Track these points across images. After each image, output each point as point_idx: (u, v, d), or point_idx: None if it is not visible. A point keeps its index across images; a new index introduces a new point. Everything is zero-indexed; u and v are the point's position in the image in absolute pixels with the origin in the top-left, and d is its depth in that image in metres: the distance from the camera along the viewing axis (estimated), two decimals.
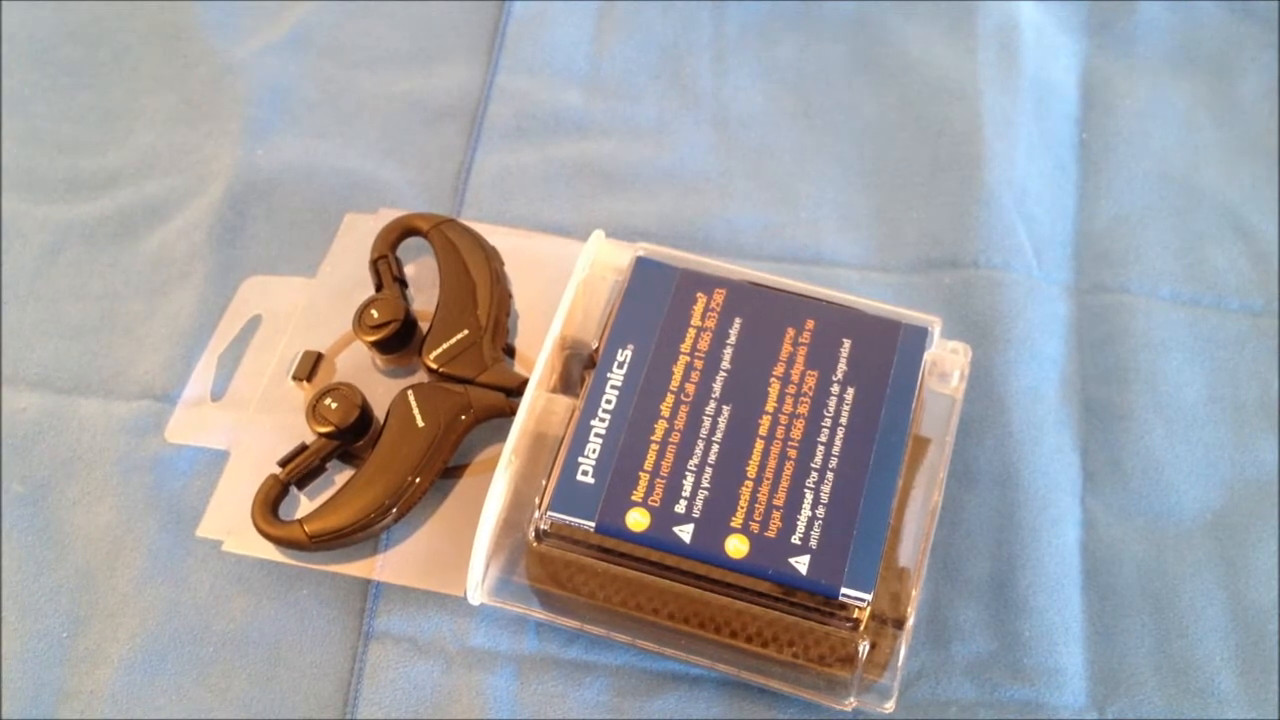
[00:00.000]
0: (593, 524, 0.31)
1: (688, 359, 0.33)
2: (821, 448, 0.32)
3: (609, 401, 0.32)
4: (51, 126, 0.46)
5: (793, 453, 0.32)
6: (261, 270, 0.42)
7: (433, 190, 0.43)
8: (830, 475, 0.31)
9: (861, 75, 0.46)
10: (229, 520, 0.36)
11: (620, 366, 0.33)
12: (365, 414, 0.36)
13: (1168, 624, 0.35)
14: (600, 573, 0.32)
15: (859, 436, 0.32)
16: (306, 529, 0.34)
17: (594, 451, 0.32)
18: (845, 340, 0.34)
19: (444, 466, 0.35)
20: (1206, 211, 0.43)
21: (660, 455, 0.32)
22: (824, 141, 0.45)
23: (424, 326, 0.38)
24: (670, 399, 0.32)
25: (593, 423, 0.32)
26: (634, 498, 0.31)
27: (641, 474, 0.31)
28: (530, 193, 0.43)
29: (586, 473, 0.31)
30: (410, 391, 0.36)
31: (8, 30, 0.48)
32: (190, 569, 0.36)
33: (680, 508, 0.31)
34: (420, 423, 0.35)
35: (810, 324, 0.34)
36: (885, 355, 0.33)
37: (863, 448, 0.32)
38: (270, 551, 0.35)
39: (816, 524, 0.31)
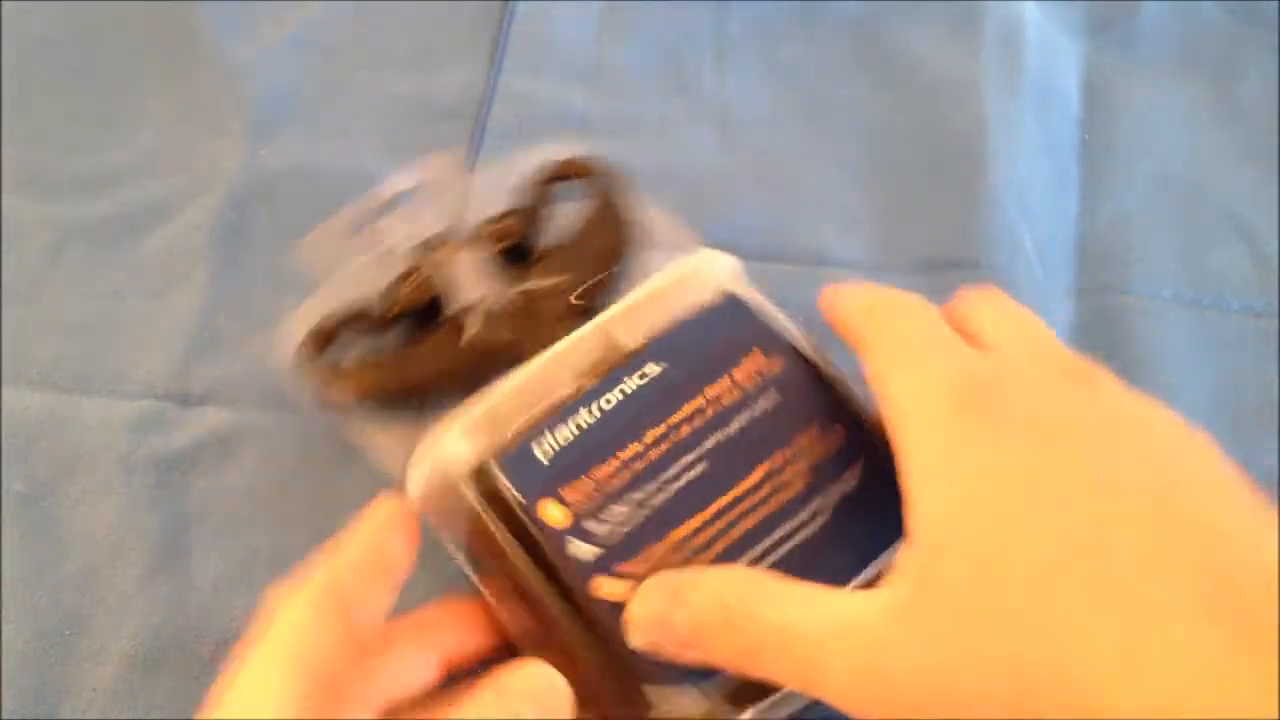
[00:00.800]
0: (522, 499, 0.29)
1: (702, 403, 0.31)
2: (767, 541, 0.30)
3: (608, 403, 0.31)
4: (53, 126, 0.46)
5: (735, 533, 0.30)
6: (262, 270, 0.42)
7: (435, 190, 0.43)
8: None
9: (864, 76, 0.46)
10: None
11: (641, 378, 0.32)
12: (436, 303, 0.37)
13: None
14: (487, 535, 0.30)
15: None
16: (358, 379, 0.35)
17: (564, 439, 0.30)
18: (856, 464, 0.31)
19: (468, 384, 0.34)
20: (1208, 212, 0.43)
21: (615, 473, 0.30)
22: (826, 142, 0.45)
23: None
24: (660, 430, 0.31)
25: (581, 412, 0.31)
26: (565, 495, 0.30)
27: (588, 479, 0.30)
28: None
29: (546, 453, 0.30)
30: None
31: (8, 30, 0.48)
32: (192, 568, 0.36)
33: (597, 528, 0.29)
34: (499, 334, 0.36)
35: (838, 430, 0.31)
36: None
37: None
38: None
39: None
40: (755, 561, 0.29)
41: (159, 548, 0.36)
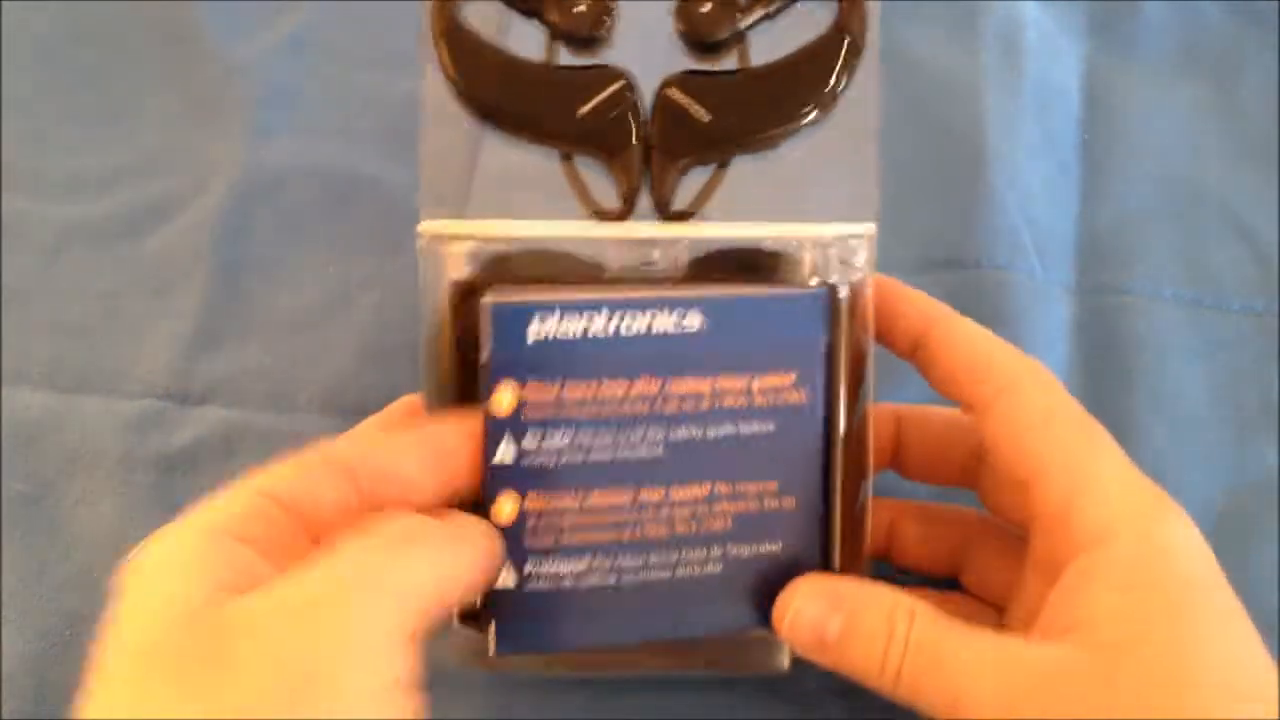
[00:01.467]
0: (489, 360, 0.27)
1: (708, 389, 0.28)
2: (662, 557, 0.28)
3: (628, 328, 0.28)
4: (54, 126, 0.46)
5: (643, 533, 0.28)
6: (263, 270, 0.42)
7: (437, 189, 0.43)
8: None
9: (864, 76, 0.46)
10: None
11: (677, 325, 0.28)
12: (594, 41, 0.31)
13: None
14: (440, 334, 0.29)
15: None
16: None
17: (565, 333, 0.27)
18: (777, 543, 0.29)
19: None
20: (1208, 212, 0.43)
21: (583, 401, 0.27)
22: (827, 142, 0.45)
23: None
24: (653, 388, 0.28)
25: (599, 318, 0.28)
26: (527, 389, 0.27)
27: (557, 387, 0.27)
28: (535, 192, 0.43)
29: (539, 333, 0.27)
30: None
31: (9, 30, 0.48)
32: None
33: (530, 441, 0.27)
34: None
35: (788, 500, 0.29)
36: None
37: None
38: None
39: None
40: (637, 571, 0.28)
41: None
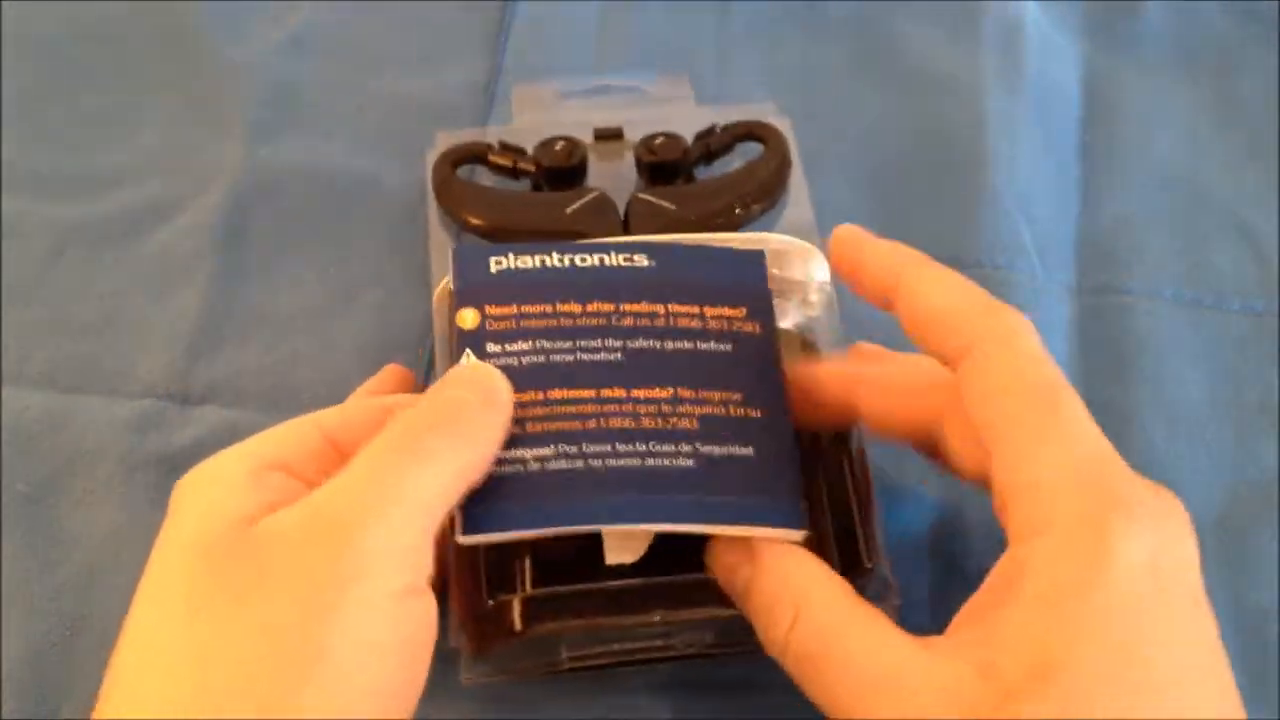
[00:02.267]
0: (454, 287, 0.31)
1: (660, 311, 0.31)
2: (630, 447, 0.29)
3: (582, 260, 0.32)
4: (54, 126, 0.46)
5: (607, 424, 0.29)
6: (263, 270, 0.42)
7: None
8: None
9: (864, 76, 0.46)
10: None
11: (625, 260, 0.32)
12: (574, 175, 0.39)
13: None
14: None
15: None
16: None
17: (522, 264, 0.31)
18: (748, 447, 0.29)
19: None
20: (1208, 212, 0.43)
21: (541, 316, 0.30)
22: (827, 142, 0.45)
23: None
24: (608, 307, 0.31)
25: (554, 254, 0.32)
26: (488, 309, 0.30)
27: (515, 307, 0.30)
28: None
29: (499, 265, 0.31)
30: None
31: (9, 30, 0.48)
32: None
33: (494, 348, 0.30)
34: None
35: (755, 413, 0.30)
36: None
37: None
38: None
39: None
40: (604, 458, 0.28)
41: None
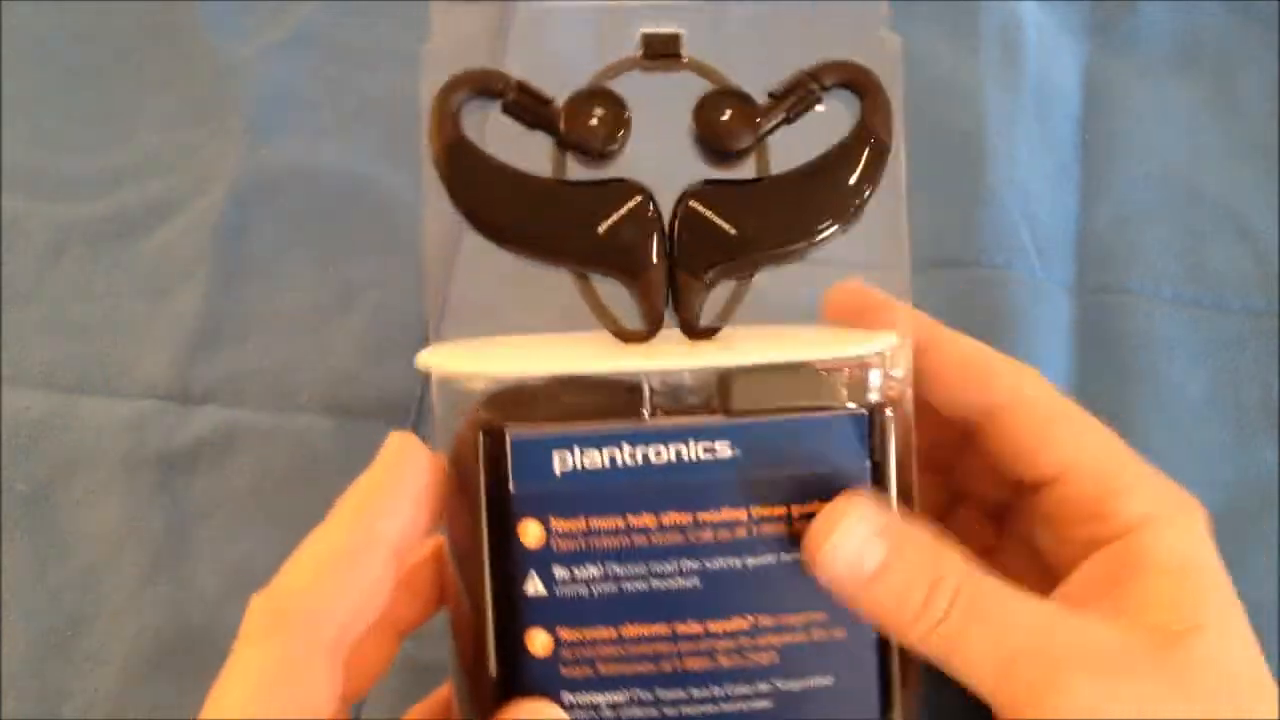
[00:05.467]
0: (515, 491, 0.26)
1: (743, 518, 0.27)
2: (705, 691, 0.27)
3: (658, 455, 0.27)
4: (53, 126, 0.46)
5: (683, 665, 0.27)
6: (263, 270, 0.42)
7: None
8: None
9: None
10: None
11: (706, 452, 0.27)
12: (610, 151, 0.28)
13: None
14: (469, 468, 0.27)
15: None
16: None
17: (591, 464, 0.26)
18: (828, 675, 0.27)
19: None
20: (1208, 212, 0.43)
21: (613, 532, 0.27)
22: (827, 142, 0.45)
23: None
24: (684, 519, 0.27)
25: (625, 447, 0.26)
26: (554, 523, 0.26)
27: (584, 520, 0.26)
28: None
29: (565, 465, 0.26)
30: None
31: (8, 30, 0.48)
32: (194, 568, 0.36)
33: (560, 573, 0.26)
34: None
35: (839, 629, 0.27)
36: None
37: None
38: None
39: None
40: (679, 705, 0.27)
41: (160, 548, 0.36)
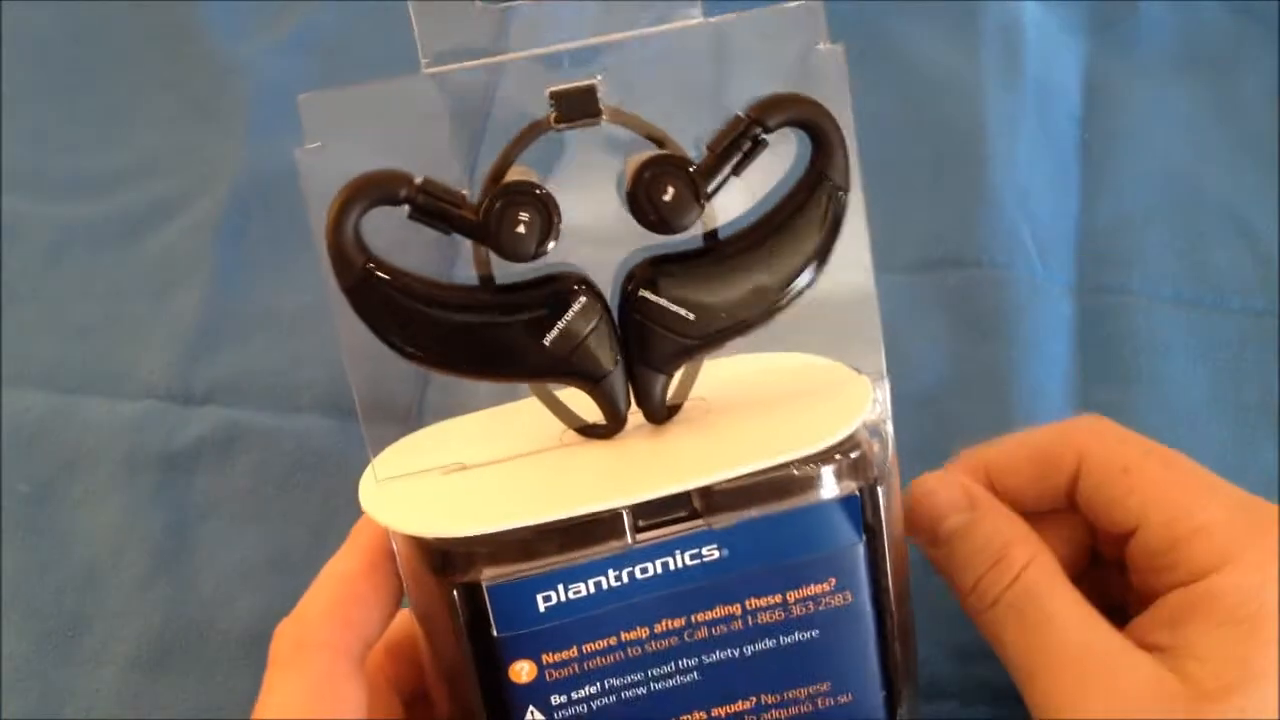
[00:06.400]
0: (499, 636, 0.25)
1: (738, 612, 0.26)
2: None
3: (643, 571, 0.25)
4: (54, 127, 0.46)
5: None
6: (263, 270, 0.42)
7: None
8: None
9: (863, 75, 0.46)
10: None
11: (694, 558, 0.25)
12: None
13: None
14: (442, 625, 0.26)
15: None
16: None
17: (574, 594, 0.25)
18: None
19: None
20: (1208, 212, 0.43)
21: (606, 651, 0.26)
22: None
23: None
24: (679, 623, 0.26)
25: (610, 572, 0.25)
26: (544, 657, 0.25)
27: (576, 649, 0.25)
28: None
29: (548, 602, 0.25)
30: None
31: (9, 30, 0.48)
32: (194, 568, 0.36)
33: (558, 699, 0.25)
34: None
35: (846, 696, 0.27)
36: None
37: None
38: None
39: None
40: None
41: (160, 548, 0.36)
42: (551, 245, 0.25)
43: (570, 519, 0.24)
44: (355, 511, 0.32)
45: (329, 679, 0.25)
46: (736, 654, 0.26)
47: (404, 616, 0.28)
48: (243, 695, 0.34)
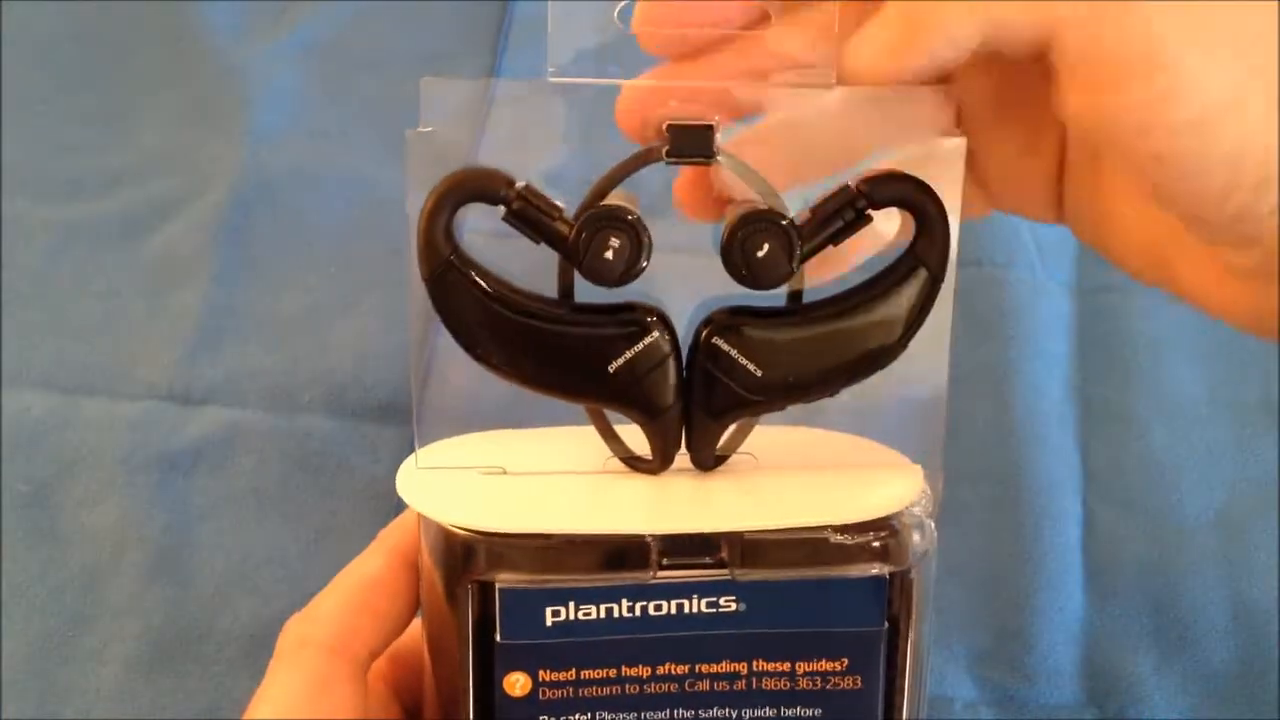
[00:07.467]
0: (503, 641, 0.25)
1: (742, 672, 0.26)
2: None
3: (658, 608, 0.25)
4: (55, 127, 0.46)
5: None
6: (263, 270, 0.42)
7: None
8: None
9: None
10: None
11: (710, 606, 0.25)
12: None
13: (1168, 623, 0.35)
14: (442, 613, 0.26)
15: None
16: None
17: (584, 615, 0.25)
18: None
19: None
20: None
21: (603, 682, 0.25)
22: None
23: None
24: (682, 670, 0.26)
25: (624, 601, 0.25)
26: (542, 674, 0.25)
27: (575, 672, 0.25)
28: None
29: (557, 618, 0.25)
30: None
31: (10, 30, 0.49)
32: (194, 568, 0.36)
33: None
34: None
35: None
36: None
37: None
38: None
39: None
40: None
41: (160, 547, 0.36)
42: (641, 267, 0.25)
43: (596, 536, 0.24)
44: (355, 511, 0.32)
45: (326, 679, 0.25)
46: (734, 715, 0.25)
47: (416, 627, 0.28)
48: (242, 695, 0.34)
